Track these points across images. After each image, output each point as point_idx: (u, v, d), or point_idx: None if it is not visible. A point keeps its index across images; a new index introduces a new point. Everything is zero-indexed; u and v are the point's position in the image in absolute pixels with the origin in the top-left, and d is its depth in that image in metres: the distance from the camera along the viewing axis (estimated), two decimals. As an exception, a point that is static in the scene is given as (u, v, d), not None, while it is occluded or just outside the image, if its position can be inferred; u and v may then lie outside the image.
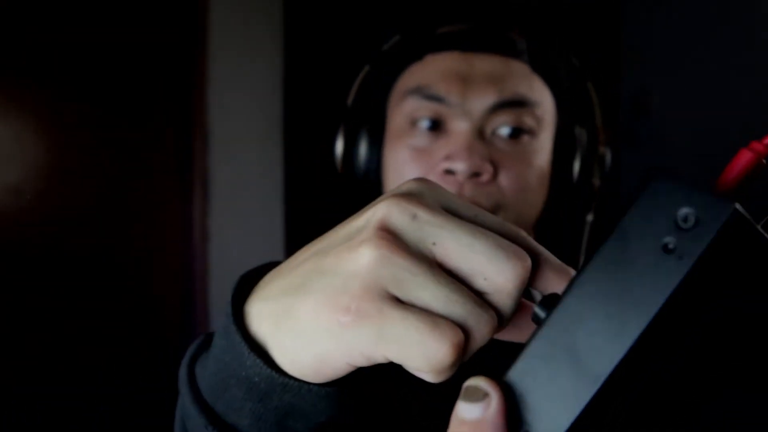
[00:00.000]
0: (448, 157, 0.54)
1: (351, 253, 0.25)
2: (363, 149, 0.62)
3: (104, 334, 1.72)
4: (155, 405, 0.98)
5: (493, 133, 0.56)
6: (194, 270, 1.86)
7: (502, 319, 0.25)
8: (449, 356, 0.23)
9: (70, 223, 1.72)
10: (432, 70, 0.58)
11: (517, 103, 0.56)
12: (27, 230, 1.67)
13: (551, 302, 0.23)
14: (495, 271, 0.24)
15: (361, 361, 0.25)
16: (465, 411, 0.22)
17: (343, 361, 0.25)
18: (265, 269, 0.30)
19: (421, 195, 0.26)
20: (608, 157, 0.63)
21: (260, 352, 0.27)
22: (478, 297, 0.25)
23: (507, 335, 0.28)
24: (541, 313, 0.23)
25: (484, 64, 0.57)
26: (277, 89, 2.06)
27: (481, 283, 0.24)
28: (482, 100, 0.55)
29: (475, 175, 0.54)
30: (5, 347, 1.62)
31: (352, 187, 0.64)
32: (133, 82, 1.80)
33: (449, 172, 0.54)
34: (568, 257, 0.61)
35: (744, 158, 0.22)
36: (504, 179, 0.55)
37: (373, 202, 0.27)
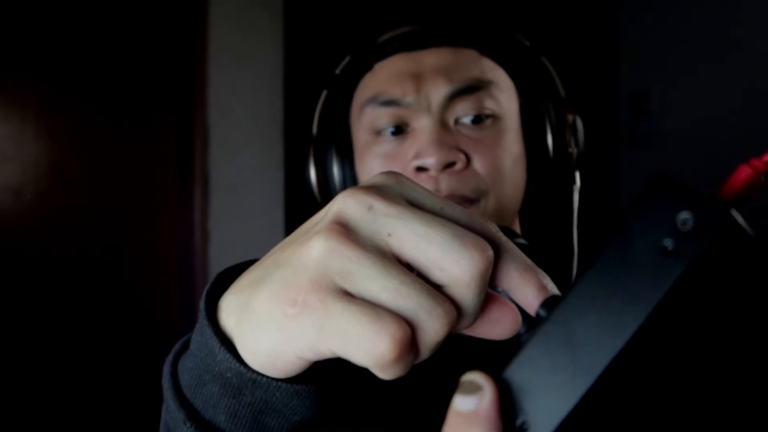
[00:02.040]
0: (416, 155, 0.54)
1: (303, 246, 0.25)
2: (336, 171, 0.62)
3: (104, 334, 1.72)
4: (155, 405, 0.98)
5: (457, 122, 0.56)
6: (194, 270, 1.86)
7: (464, 313, 0.25)
8: (390, 351, 0.23)
9: (69, 223, 1.72)
10: (382, 76, 0.58)
11: (472, 88, 0.56)
12: (27, 230, 1.67)
13: (553, 303, 0.23)
14: (451, 262, 0.24)
15: (311, 355, 0.25)
16: (460, 403, 0.22)
17: (293, 354, 0.25)
18: (246, 266, 0.30)
19: (383, 187, 0.26)
20: (579, 124, 0.62)
21: (231, 346, 0.27)
22: (436, 290, 0.24)
23: (483, 331, 0.27)
24: (544, 314, 0.24)
25: (432, 58, 0.57)
26: (277, 89, 2.06)
27: (437, 274, 0.24)
28: (437, 92, 0.55)
29: (447, 166, 0.54)
30: (5, 347, 1.62)
31: None
32: (133, 82, 1.80)
33: (421, 169, 0.54)
34: (561, 230, 0.61)
35: (743, 174, 0.23)
36: (478, 164, 0.55)
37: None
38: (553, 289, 0.26)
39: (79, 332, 1.70)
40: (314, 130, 0.65)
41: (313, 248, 0.24)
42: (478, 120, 0.56)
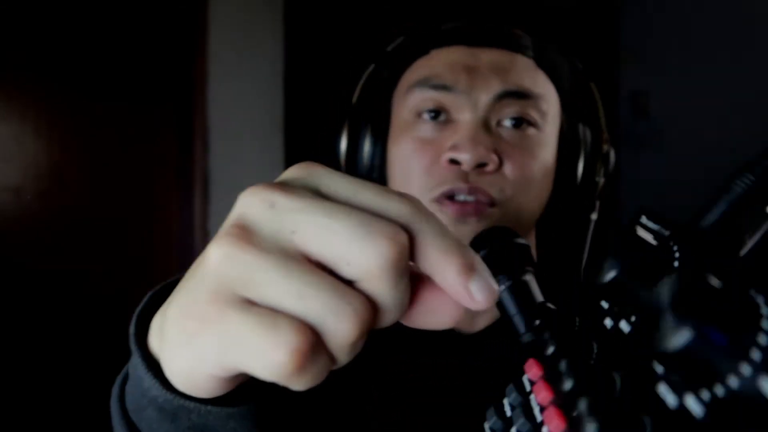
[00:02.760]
0: (453, 147, 0.54)
1: (203, 255, 0.23)
2: (367, 146, 0.62)
3: (104, 334, 1.72)
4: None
5: (498, 123, 0.56)
6: (194, 270, 1.86)
7: (383, 307, 0.23)
8: (289, 363, 0.21)
9: (69, 223, 1.72)
10: (438, 62, 0.58)
11: (521, 95, 0.56)
12: (27, 230, 1.67)
13: (547, 313, 0.22)
14: (357, 254, 0.22)
15: (222, 372, 0.23)
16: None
17: (206, 372, 0.23)
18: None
19: (290, 181, 0.24)
20: (612, 156, 0.63)
21: (161, 370, 0.25)
22: (348, 287, 0.22)
23: (419, 321, 0.25)
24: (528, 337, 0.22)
25: (490, 56, 0.57)
26: (277, 89, 2.06)
27: (345, 269, 0.22)
28: (487, 90, 0.56)
29: (480, 165, 0.54)
30: (5, 348, 1.62)
31: None
32: (133, 82, 1.80)
33: (454, 161, 0.54)
34: (571, 255, 0.61)
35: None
36: (509, 169, 0.55)
37: None
38: (482, 270, 0.24)
39: (79, 332, 1.70)
40: (354, 100, 0.65)
41: (210, 257, 0.22)
42: (518, 125, 0.56)
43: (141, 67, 1.81)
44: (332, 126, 0.67)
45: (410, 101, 0.58)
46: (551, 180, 0.59)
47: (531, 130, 0.56)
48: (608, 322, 0.24)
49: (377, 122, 0.62)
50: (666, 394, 0.18)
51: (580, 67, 0.63)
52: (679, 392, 0.18)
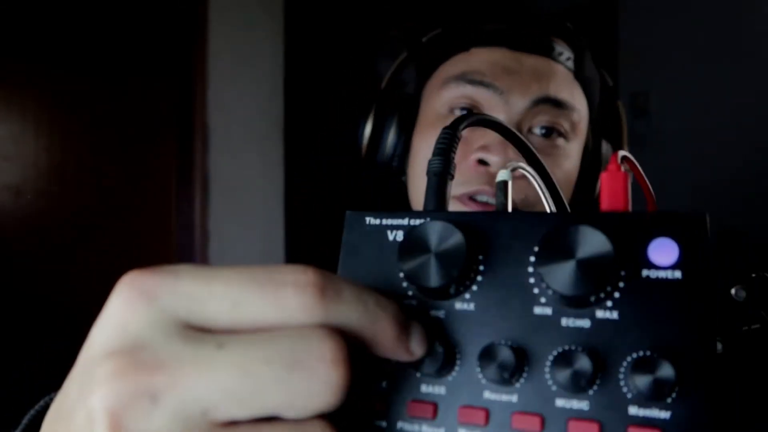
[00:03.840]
0: (483, 148, 0.54)
1: None
2: (392, 134, 0.62)
3: (104, 333, 1.73)
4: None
5: (529, 130, 0.56)
6: (194, 270, 1.86)
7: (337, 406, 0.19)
8: None
9: (69, 222, 1.72)
10: (479, 60, 0.58)
11: (557, 103, 0.56)
12: (27, 230, 1.67)
13: None
14: (289, 403, 0.18)
15: None
16: None
17: None
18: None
19: (152, 346, 0.19)
20: (630, 178, 0.63)
21: None
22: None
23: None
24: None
25: (532, 61, 0.57)
26: (277, 89, 2.06)
27: (289, 414, 0.19)
28: (525, 95, 0.56)
29: None
30: (5, 348, 1.62)
31: (372, 172, 0.64)
32: (133, 82, 1.80)
33: (482, 162, 0.54)
34: None
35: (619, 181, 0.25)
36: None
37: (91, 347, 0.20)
38: (412, 325, 0.21)
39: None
40: (383, 85, 0.64)
41: None
42: (549, 134, 0.56)
43: (141, 67, 1.81)
44: (336, 124, 0.67)
45: (445, 95, 0.58)
46: (571, 192, 0.59)
47: (560, 141, 0.56)
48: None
49: (405, 111, 0.61)
50: (574, 322, 0.21)
51: (610, 84, 0.63)
52: (584, 315, 0.21)
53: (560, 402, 0.21)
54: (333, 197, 1.88)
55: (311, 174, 2.04)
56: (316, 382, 0.18)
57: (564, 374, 0.20)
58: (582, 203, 0.61)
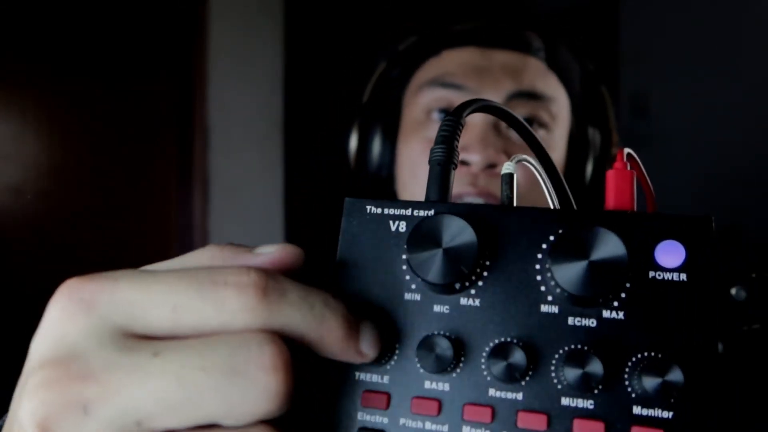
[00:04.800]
0: (462, 148, 0.54)
1: None
2: (377, 144, 0.62)
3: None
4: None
5: (508, 126, 0.56)
6: (194, 270, 1.86)
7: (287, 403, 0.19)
8: None
9: (70, 223, 1.72)
10: (450, 62, 0.58)
11: (532, 96, 0.56)
12: (27, 230, 1.67)
13: None
14: (226, 411, 0.18)
15: None
16: None
17: None
18: None
19: (85, 356, 0.18)
20: None
21: None
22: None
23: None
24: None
25: (502, 57, 0.57)
26: (277, 89, 2.06)
27: (227, 423, 0.18)
28: (498, 91, 0.55)
29: (489, 166, 0.54)
30: (5, 349, 1.62)
31: (363, 183, 0.64)
32: (133, 82, 1.80)
33: (464, 163, 0.54)
34: None
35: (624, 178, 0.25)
36: (519, 171, 0.54)
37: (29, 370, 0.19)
38: (363, 324, 0.21)
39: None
40: (365, 98, 0.65)
41: None
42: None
43: (141, 68, 1.81)
44: (340, 124, 0.67)
45: (421, 100, 0.58)
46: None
47: (541, 132, 0.56)
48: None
49: (388, 121, 0.62)
50: (581, 321, 0.22)
51: (591, 69, 0.63)
52: (590, 315, 0.21)
53: (566, 401, 0.21)
54: (333, 197, 1.88)
55: (311, 174, 2.04)
56: (254, 390, 0.18)
57: (572, 373, 0.20)
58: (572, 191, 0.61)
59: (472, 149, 0.53)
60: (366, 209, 0.24)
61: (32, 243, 1.67)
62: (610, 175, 0.25)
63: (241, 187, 1.96)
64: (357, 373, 0.23)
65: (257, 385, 0.18)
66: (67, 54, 1.71)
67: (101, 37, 1.74)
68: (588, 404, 0.20)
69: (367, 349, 0.21)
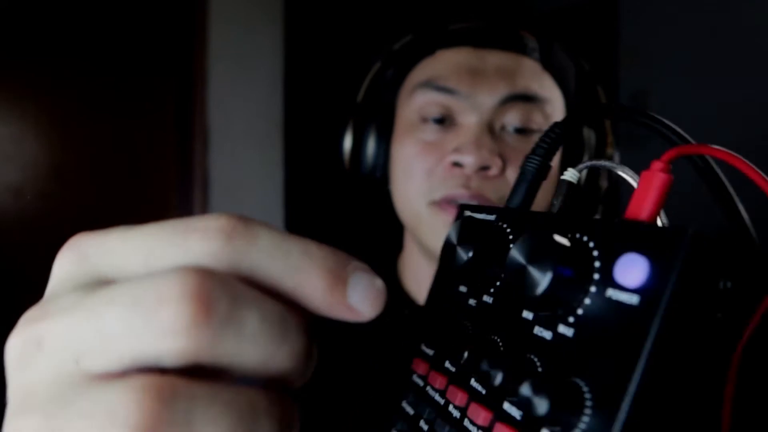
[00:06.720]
0: (456, 150, 0.54)
1: None
2: (371, 145, 0.62)
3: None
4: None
5: (503, 128, 0.56)
6: (194, 270, 1.86)
7: (293, 376, 0.18)
8: None
9: (70, 223, 1.72)
10: (443, 63, 0.58)
11: (527, 98, 0.56)
12: (27, 230, 1.67)
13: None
14: (142, 348, 0.17)
15: None
16: None
17: None
18: None
19: (55, 299, 0.19)
20: (616, 160, 0.63)
21: None
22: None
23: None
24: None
25: (496, 59, 0.57)
26: (277, 89, 2.06)
27: (160, 363, 0.17)
28: (492, 94, 0.55)
29: (483, 168, 0.54)
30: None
31: (358, 184, 0.64)
32: (133, 83, 1.80)
33: (457, 164, 0.54)
34: None
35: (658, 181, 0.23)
36: (512, 174, 0.54)
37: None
38: (357, 271, 0.19)
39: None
40: (359, 98, 0.65)
41: None
42: (523, 130, 0.56)
43: (141, 68, 1.81)
44: (336, 125, 0.67)
45: (414, 102, 0.58)
46: (554, 184, 0.59)
47: (535, 135, 0.56)
48: (472, 302, 0.25)
49: (382, 121, 0.61)
50: (542, 332, 0.20)
51: (586, 69, 0.62)
52: (551, 326, 0.20)
53: (506, 405, 0.21)
54: (333, 197, 1.88)
55: (311, 174, 2.04)
56: (157, 322, 0.16)
57: (489, 371, 0.21)
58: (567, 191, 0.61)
59: (465, 150, 0.53)
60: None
61: (32, 243, 1.67)
62: (643, 176, 0.23)
63: (241, 187, 1.96)
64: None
65: (160, 317, 0.17)
66: (68, 54, 1.71)
67: (101, 38, 1.74)
68: (514, 412, 0.20)
69: (360, 304, 0.18)
